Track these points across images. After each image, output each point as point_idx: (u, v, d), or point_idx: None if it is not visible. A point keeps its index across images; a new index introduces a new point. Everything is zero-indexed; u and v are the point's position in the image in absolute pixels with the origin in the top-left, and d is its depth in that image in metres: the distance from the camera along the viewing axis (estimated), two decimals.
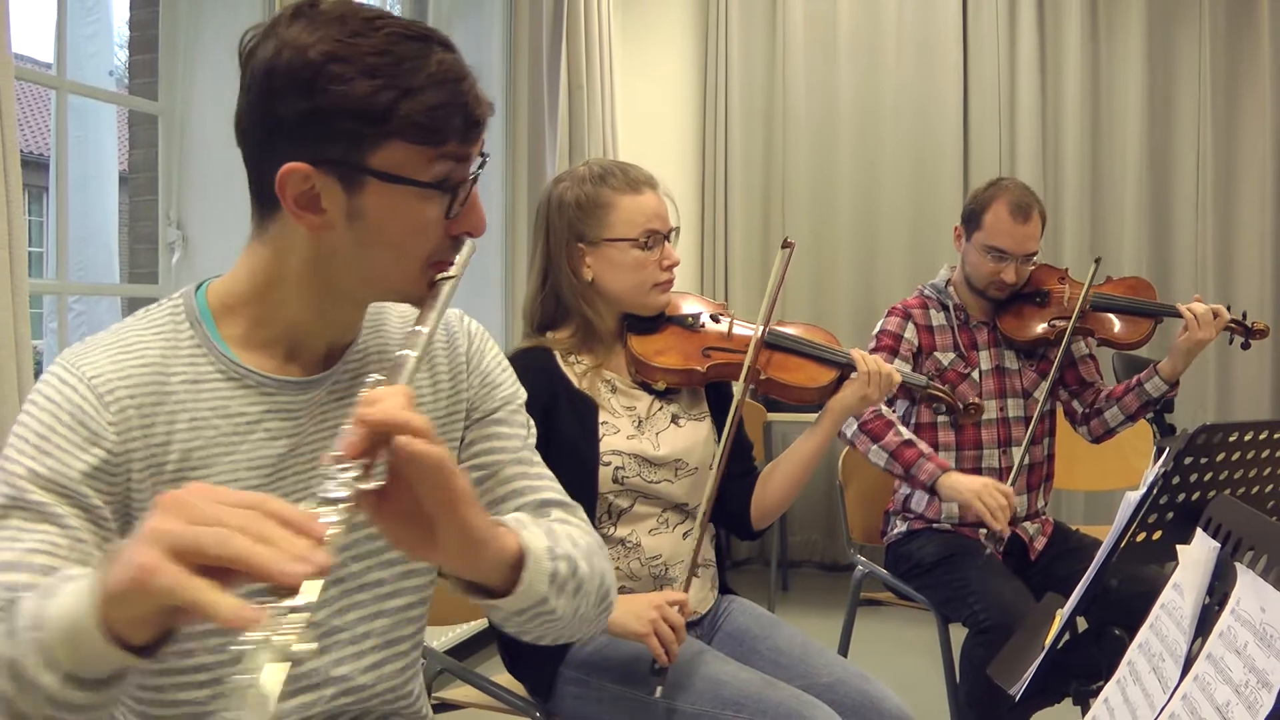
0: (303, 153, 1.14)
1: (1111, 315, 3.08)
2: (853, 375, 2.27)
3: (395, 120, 1.13)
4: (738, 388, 2.23)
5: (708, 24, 5.86)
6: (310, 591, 0.89)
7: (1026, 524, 3.03)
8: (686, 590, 2.10)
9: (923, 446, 2.84)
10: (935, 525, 3.01)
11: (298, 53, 1.12)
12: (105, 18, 3.41)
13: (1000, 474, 3.00)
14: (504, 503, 1.40)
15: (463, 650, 4.11)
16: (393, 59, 1.13)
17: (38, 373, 1.97)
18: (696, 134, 5.89)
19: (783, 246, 2.27)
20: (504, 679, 2.30)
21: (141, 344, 1.22)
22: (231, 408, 1.23)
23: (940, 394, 2.47)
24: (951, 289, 3.12)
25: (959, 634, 2.80)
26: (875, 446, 2.86)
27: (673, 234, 2.21)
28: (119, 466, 1.17)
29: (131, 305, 4.22)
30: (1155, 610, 1.31)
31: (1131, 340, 3.06)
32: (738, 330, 2.32)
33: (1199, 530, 1.28)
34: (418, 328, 1.16)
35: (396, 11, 4.67)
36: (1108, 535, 1.76)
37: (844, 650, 3.11)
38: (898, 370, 2.33)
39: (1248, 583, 1.06)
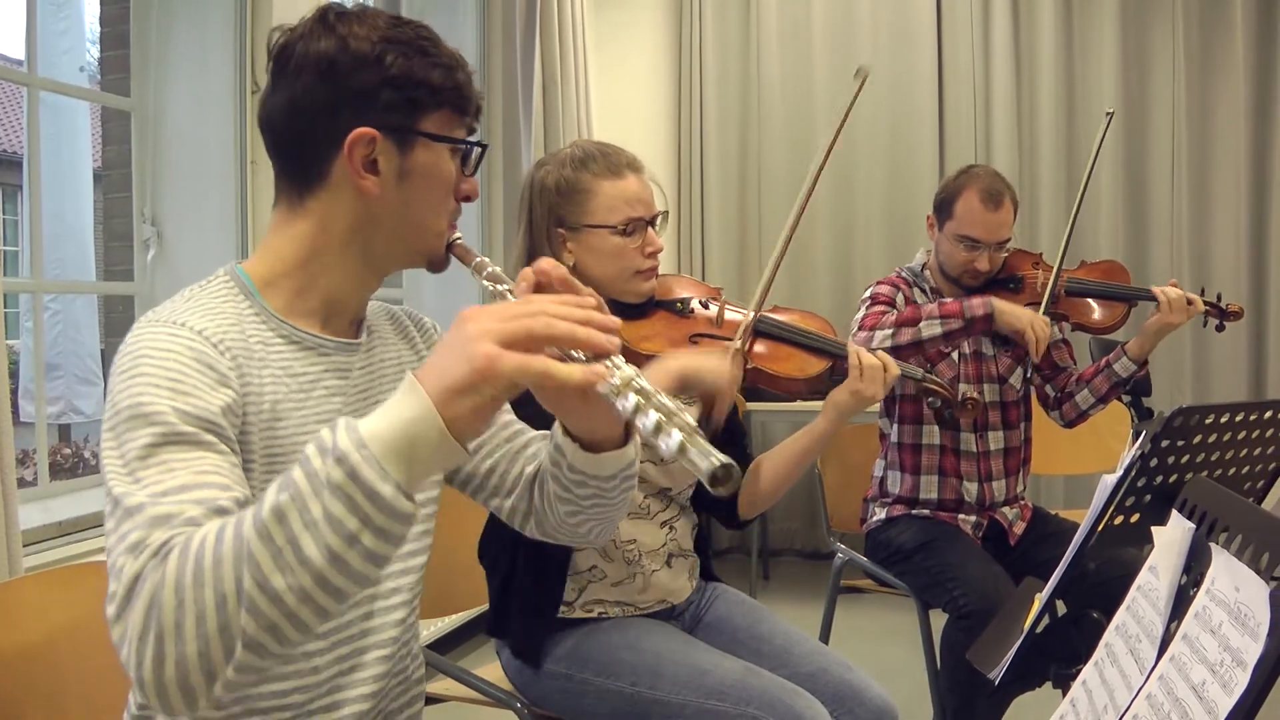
0: (368, 120, 1.32)
1: (1086, 300, 3.09)
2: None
3: (442, 91, 1.36)
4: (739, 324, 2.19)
5: (681, 16, 5.86)
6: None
7: (1005, 509, 3.04)
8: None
9: (953, 300, 2.87)
10: (914, 511, 3.02)
11: (359, 40, 1.32)
12: (76, 14, 3.40)
13: (976, 459, 3.00)
14: (525, 449, 1.58)
15: (444, 645, 4.11)
16: (430, 44, 1.37)
17: (14, 372, 1.96)
18: (671, 126, 5.89)
19: (855, 74, 2.38)
20: (486, 672, 2.30)
21: (217, 308, 1.33)
22: (295, 368, 1.36)
23: (937, 387, 2.40)
24: (928, 274, 3.12)
25: (939, 620, 2.81)
26: (923, 322, 2.82)
27: (658, 219, 2.16)
28: (240, 407, 1.27)
29: (107, 303, 4.21)
30: (1131, 593, 1.32)
31: (1106, 324, 3.06)
32: (729, 316, 2.27)
33: (1174, 512, 1.29)
34: (491, 272, 1.36)
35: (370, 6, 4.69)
36: (1085, 518, 1.78)
37: (825, 638, 3.11)
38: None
39: (1222, 563, 1.07)
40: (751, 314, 2.24)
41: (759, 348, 2.27)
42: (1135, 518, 1.94)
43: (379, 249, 1.40)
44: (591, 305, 1.13)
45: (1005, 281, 3.09)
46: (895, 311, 2.92)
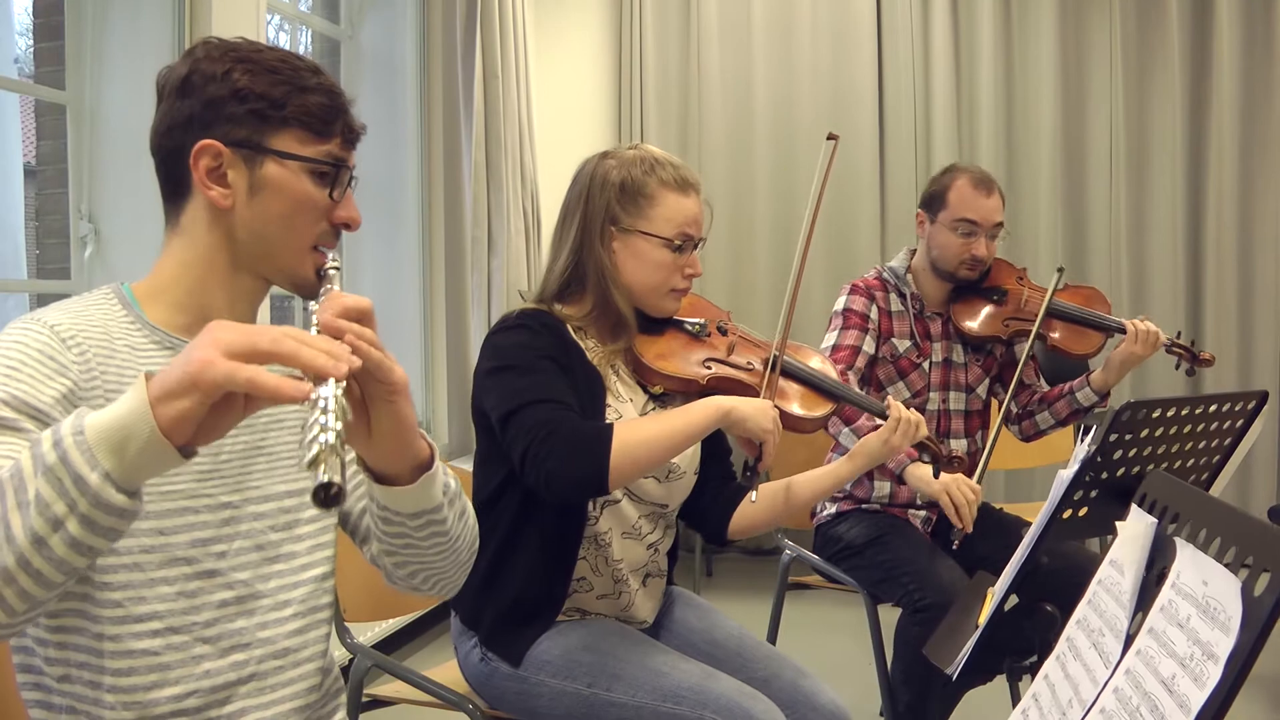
0: (214, 134, 1.39)
1: (1066, 324, 3.11)
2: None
3: (291, 108, 1.41)
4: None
5: (622, 10, 5.85)
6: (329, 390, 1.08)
7: None
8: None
9: None
10: (864, 506, 3.02)
11: (210, 61, 1.40)
12: (6, 4, 3.31)
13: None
14: None
15: (388, 645, 4.07)
16: (289, 67, 1.43)
17: None
18: (612, 122, 5.87)
19: (828, 138, 2.35)
20: (437, 674, 2.28)
21: (86, 311, 1.39)
22: None
23: (929, 442, 2.38)
24: (910, 276, 3.13)
25: (887, 615, 2.82)
26: (846, 430, 2.84)
27: (700, 244, 2.16)
28: (79, 398, 1.31)
29: (41, 301, 4.11)
30: (1092, 586, 1.32)
31: (1082, 351, 3.08)
32: (742, 345, 2.26)
33: (1134, 506, 1.30)
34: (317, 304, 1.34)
35: (307, 2, 4.63)
36: (1040, 513, 1.78)
37: (773, 636, 3.12)
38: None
39: (1188, 556, 1.07)
40: (774, 354, 2.23)
41: (774, 385, 2.23)
42: (1084, 511, 1.96)
43: (246, 263, 1.45)
44: (330, 339, 1.15)
45: (989, 292, 3.11)
46: (858, 363, 2.95)
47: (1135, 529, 1.24)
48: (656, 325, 2.20)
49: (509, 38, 4.55)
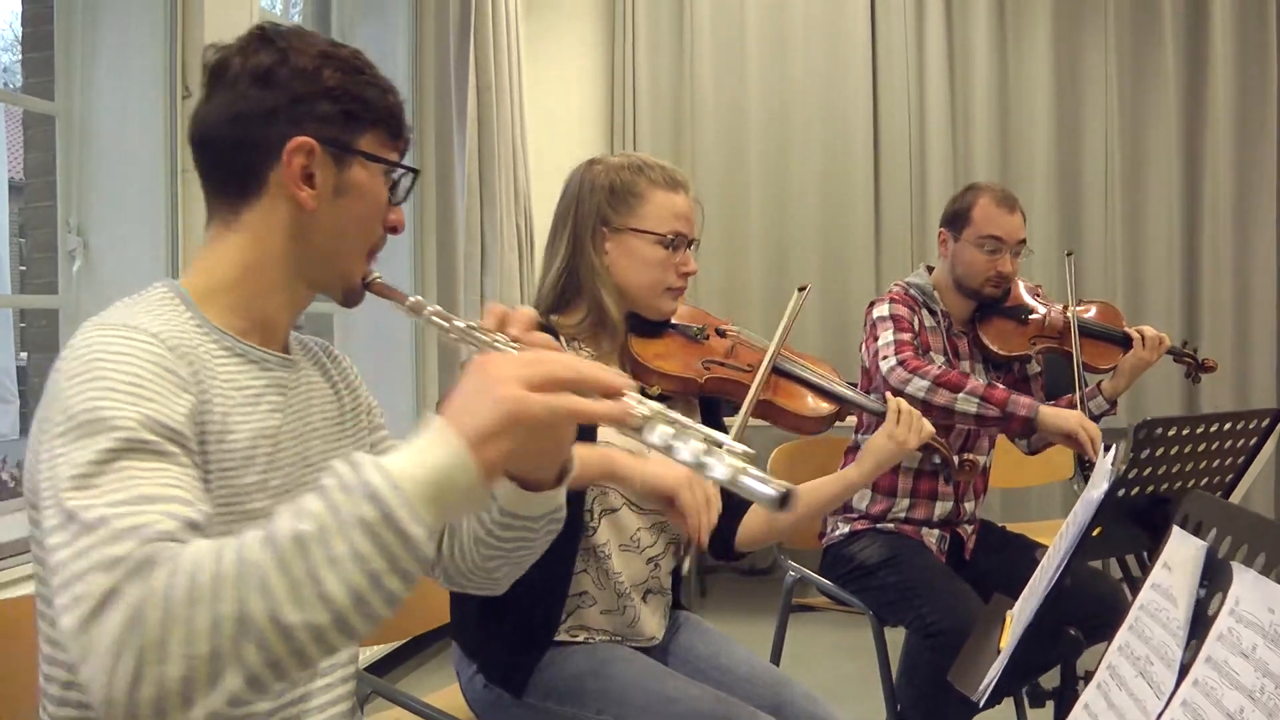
0: (305, 130, 1.33)
1: (1091, 340, 3.13)
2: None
3: (378, 110, 1.39)
4: (739, 415, 2.15)
5: (614, 23, 5.80)
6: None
7: (967, 525, 3.03)
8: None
9: (1003, 388, 2.84)
10: (879, 525, 2.97)
11: (298, 54, 1.35)
12: None
13: (957, 483, 2.99)
14: None
15: (383, 667, 4.00)
16: (365, 65, 1.41)
17: None
18: (604, 133, 5.82)
19: (799, 290, 2.29)
20: (439, 699, 2.22)
21: (160, 315, 1.29)
22: (240, 380, 1.33)
23: (939, 446, 2.35)
24: (936, 293, 3.09)
25: (892, 636, 2.77)
26: (962, 394, 2.79)
27: (694, 244, 2.14)
28: (199, 415, 1.23)
29: (29, 318, 4.04)
30: (1134, 611, 1.27)
31: (1106, 365, 3.12)
32: (741, 349, 2.26)
33: (1176, 528, 1.25)
34: (434, 310, 1.38)
35: (298, 11, 4.58)
36: (1059, 534, 1.75)
37: (776, 659, 3.06)
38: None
39: (1249, 582, 1.03)
40: (771, 350, 2.21)
41: (776, 385, 2.24)
42: (1097, 531, 1.92)
43: (308, 269, 1.40)
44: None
45: (1015, 311, 3.10)
46: (934, 362, 2.89)
47: (1184, 553, 1.19)
48: (655, 329, 2.19)
49: (502, 50, 4.52)
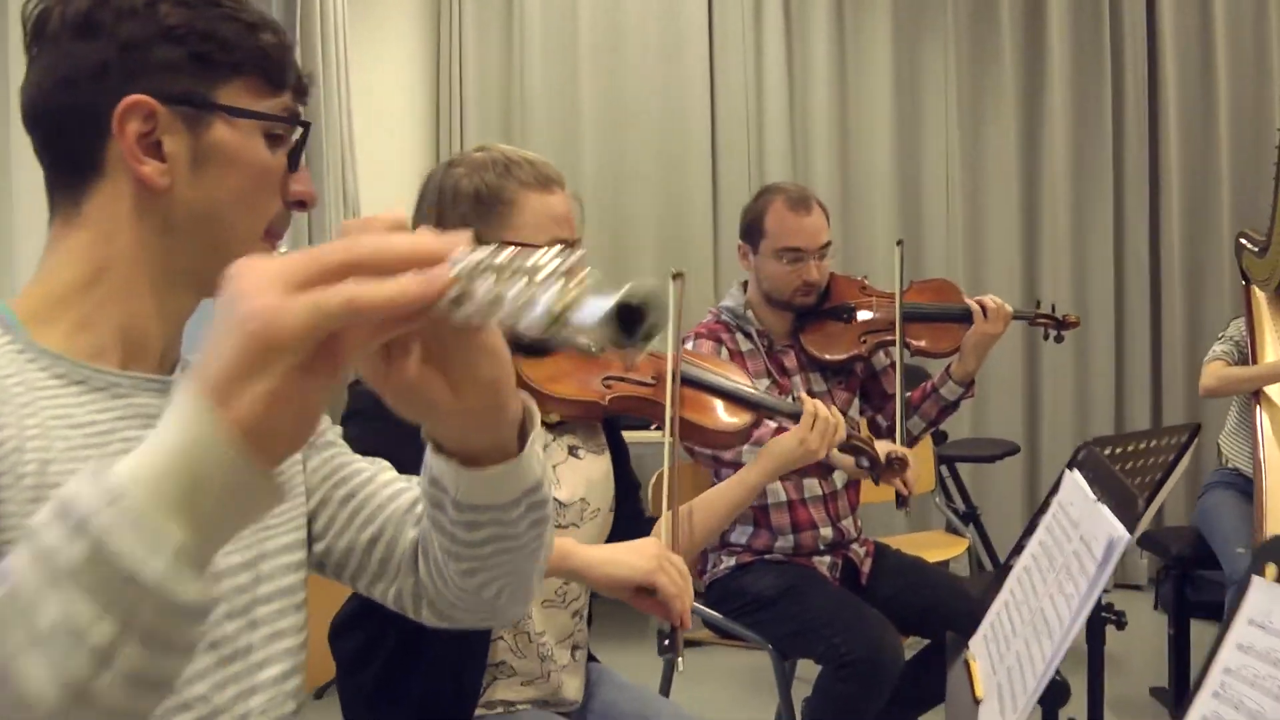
0: (142, 88, 1.05)
1: (924, 324, 2.97)
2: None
3: (242, 51, 1.09)
4: (665, 446, 1.93)
5: (439, 19, 5.53)
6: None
7: (856, 547, 2.89)
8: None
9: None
10: (767, 557, 2.80)
11: None
12: None
13: (824, 501, 2.85)
14: (414, 508, 1.23)
15: None
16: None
17: None
18: (430, 131, 5.54)
19: (673, 278, 2.03)
20: None
21: None
22: (77, 416, 1.05)
23: (860, 443, 2.21)
24: (750, 312, 2.90)
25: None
26: (747, 448, 2.57)
27: (576, 245, 1.83)
28: None
29: None
30: (1217, 676, 1.13)
31: (949, 348, 2.95)
32: (641, 359, 2.02)
33: (1257, 579, 1.12)
34: None
35: None
36: (1064, 571, 1.61)
37: (665, 693, 2.85)
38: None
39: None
40: (671, 354, 1.98)
41: (684, 399, 2.01)
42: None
43: (183, 264, 1.10)
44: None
45: (837, 311, 2.91)
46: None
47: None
48: (543, 345, 1.90)
49: (330, 42, 4.23)
